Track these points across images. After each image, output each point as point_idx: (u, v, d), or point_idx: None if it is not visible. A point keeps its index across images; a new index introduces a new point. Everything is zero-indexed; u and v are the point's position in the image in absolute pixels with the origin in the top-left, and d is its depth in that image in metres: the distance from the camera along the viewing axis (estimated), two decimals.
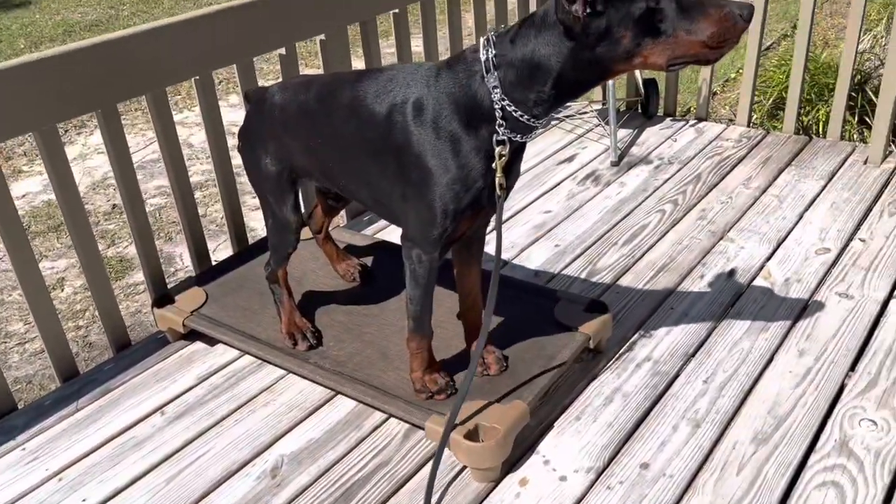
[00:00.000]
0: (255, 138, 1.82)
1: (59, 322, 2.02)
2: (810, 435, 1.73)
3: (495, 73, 1.42)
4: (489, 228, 1.79)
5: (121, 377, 2.05)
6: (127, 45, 1.96)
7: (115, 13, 7.90)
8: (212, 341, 2.13)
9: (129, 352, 2.16)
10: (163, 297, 2.15)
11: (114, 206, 4.09)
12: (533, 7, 3.24)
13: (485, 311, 1.61)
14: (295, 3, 2.30)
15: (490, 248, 1.80)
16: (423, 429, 1.71)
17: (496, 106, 1.44)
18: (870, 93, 3.57)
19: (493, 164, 1.48)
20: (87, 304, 3.32)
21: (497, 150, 1.47)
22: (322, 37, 2.43)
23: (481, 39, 1.46)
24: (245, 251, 2.38)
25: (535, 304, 2.03)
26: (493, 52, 1.42)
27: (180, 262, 3.58)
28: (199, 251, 2.32)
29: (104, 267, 2.09)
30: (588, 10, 1.29)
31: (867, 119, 3.49)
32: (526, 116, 1.45)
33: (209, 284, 2.21)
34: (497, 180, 1.50)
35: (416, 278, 1.65)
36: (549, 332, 1.94)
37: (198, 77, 2.15)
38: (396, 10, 2.65)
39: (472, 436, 1.64)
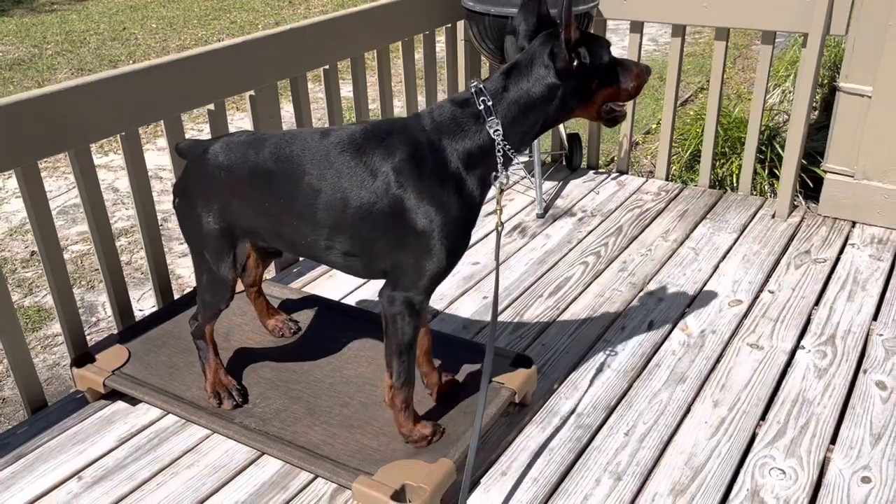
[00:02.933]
0: (195, 196, 1.78)
1: None
2: (724, 485, 1.80)
3: (496, 119, 1.57)
4: None
5: (35, 440, 1.98)
6: (51, 102, 1.94)
7: (38, 52, 7.72)
8: (134, 400, 2.09)
9: (44, 413, 2.09)
10: (83, 355, 2.09)
11: (32, 252, 3.97)
12: (461, 57, 3.34)
13: (489, 338, 1.71)
14: (224, 62, 2.32)
15: None
16: (349, 489, 1.71)
17: (497, 146, 1.59)
18: (777, 147, 3.78)
19: (494, 199, 1.69)
20: (2, 356, 3.20)
21: (496, 184, 1.63)
22: (252, 92, 2.45)
23: (471, 89, 1.61)
24: (170, 305, 2.34)
25: (463, 359, 2.07)
26: (489, 100, 1.58)
27: (102, 311, 3.49)
28: (122, 307, 2.28)
29: (20, 326, 2.03)
30: (578, 60, 1.57)
31: (776, 171, 3.69)
32: (512, 151, 1.62)
33: (132, 342, 2.17)
34: (497, 212, 1.70)
35: (404, 329, 1.68)
36: (475, 387, 1.97)
37: (124, 133, 2.13)
38: (327, 67, 2.70)
39: (399, 496, 1.65)
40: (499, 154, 1.60)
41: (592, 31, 1.70)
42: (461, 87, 3.37)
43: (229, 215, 1.76)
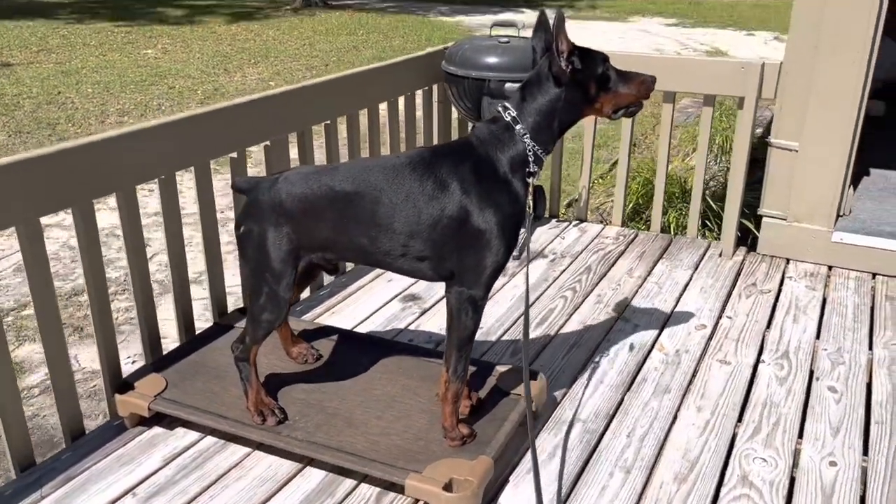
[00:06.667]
0: (265, 222, 1.97)
1: (22, 412, 2.04)
2: (718, 473, 2.08)
3: (522, 126, 1.91)
4: None
5: (82, 464, 2.08)
6: (102, 147, 2.12)
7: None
8: (171, 425, 2.21)
9: (84, 440, 2.18)
10: (123, 383, 2.22)
11: (25, 305, 3.99)
12: (435, 115, 3.66)
13: (523, 351, 1.97)
14: (246, 116, 2.55)
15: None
16: (402, 487, 1.89)
17: (528, 148, 1.91)
18: (708, 199, 4.25)
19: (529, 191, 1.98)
20: None
21: (530, 181, 1.95)
22: (267, 143, 2.68)
23: (499, 109, 1.95)
24: (193, 339, 2.49)
25: (479, 376, 2.30)
26: (514, 112, 1.92)
27: (76, 363, 3.50)
28: (153, 341, 2.41)
29: (68, 358, 2.14)
30: (571, 67, 1.88)
31: (708, 222, 4.14)
32: (542, 151, 1.94)
33: (166, 371, 2.30)
34: (529, 202, 1.99)
35: (466, 323, 1.96)
36: (494, 398, 2.20)
37: (163, 176, 2.32)
38: (328, 122, 2.96)
39: (448, 488, 1.85)
40: (530, 154, 1.91)
41: None
42: (436, 140, 3.68)
43: (300, 235, 1.97)
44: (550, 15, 1.88)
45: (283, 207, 1.97)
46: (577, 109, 1.95)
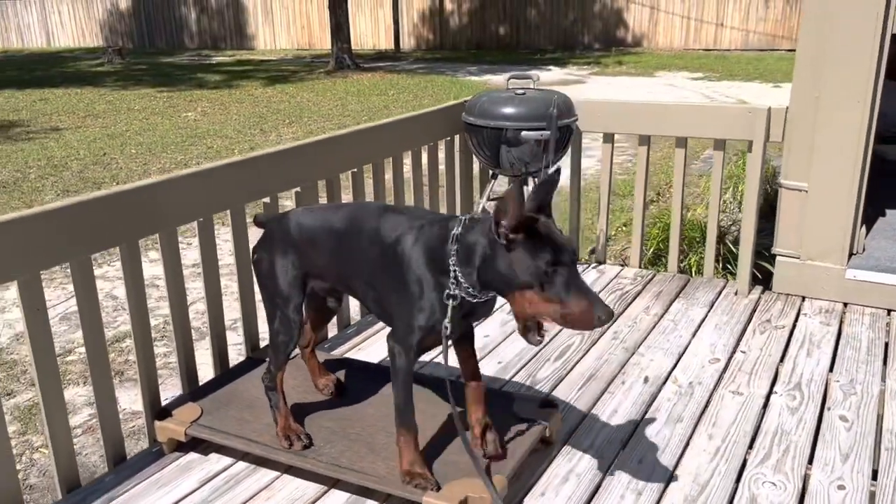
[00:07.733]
0: (278, 249, 2.19)
1: (70, 435, 2.19)
2: (727, 496, 2.15)
3: (455, 247, 1.85)
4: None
5: (123, 486, 2.22)
6: (148, 192, 2.32)
7: (21, 175, 8.04)
8: (206, 451, 2.35)
9: (124, 465, 2.33)
10: (162, 410, 2.37)
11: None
12: (457, 164, 3.84)
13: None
14: (279, 164, 2.75)
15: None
16: None
17: (451, 269, 1.85)
18: (729, 243, 4.35)
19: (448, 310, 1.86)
20: (24, 449, 3.36)
21: (448, 303, 1.86)
22: (298, 189, 2.87)
23: (463, 219, 1.88)
24: (227, 372, 2.65)
25: (498, 404, 2.40)
26: (459, 230, 1.85)
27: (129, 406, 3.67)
28: (190, 374, 2.57)
29: (113, 387, 2.31)
30: (507, 240, 1.73)
31: (727, 265, 4.23)
32: (466, 286, 1.85)
33: (202, 400, 2.45)
34: (443, 328, 1.88)
35: (395, 371, 2.02)
36: (512, 424, 2.31)
37: (201, 219, 2.51)
38: (355, 170, 3.15)
39: None
40: (451, 275, 1.84)
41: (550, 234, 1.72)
42: (458, 189, 3.85)
43: (304, 262, 2.18)
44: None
45: (291, 236, 2.20)
46: (494, 280, 1.78)
